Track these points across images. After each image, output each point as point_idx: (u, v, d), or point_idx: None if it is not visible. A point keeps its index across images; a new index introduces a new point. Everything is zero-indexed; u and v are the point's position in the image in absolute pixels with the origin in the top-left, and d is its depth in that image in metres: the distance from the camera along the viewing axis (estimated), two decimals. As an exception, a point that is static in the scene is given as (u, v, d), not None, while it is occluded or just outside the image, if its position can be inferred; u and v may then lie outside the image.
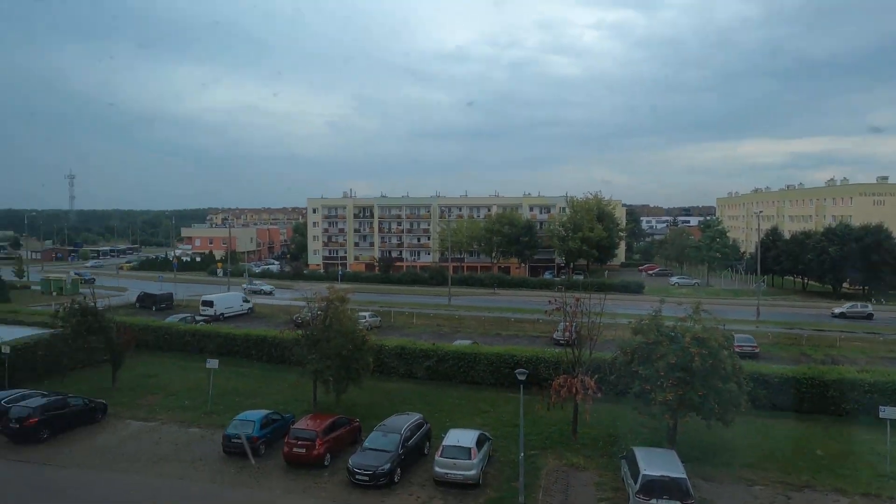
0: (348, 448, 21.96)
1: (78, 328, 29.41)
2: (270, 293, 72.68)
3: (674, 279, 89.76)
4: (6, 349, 29.55)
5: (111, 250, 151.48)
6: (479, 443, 20.14)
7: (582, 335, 23.44)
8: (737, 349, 27.49)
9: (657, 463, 17.61)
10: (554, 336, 40.01)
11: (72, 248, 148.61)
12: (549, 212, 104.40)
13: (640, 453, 18.49)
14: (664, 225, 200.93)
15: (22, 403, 23.64)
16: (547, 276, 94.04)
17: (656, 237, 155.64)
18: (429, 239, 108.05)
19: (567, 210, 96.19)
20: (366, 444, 20.62)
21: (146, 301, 60.11)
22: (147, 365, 34.73)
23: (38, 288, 73.76)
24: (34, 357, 31.43)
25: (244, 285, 74.95)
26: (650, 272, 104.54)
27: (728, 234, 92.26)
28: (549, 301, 23.72)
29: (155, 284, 72.25)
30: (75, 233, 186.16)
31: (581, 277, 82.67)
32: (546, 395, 22.16)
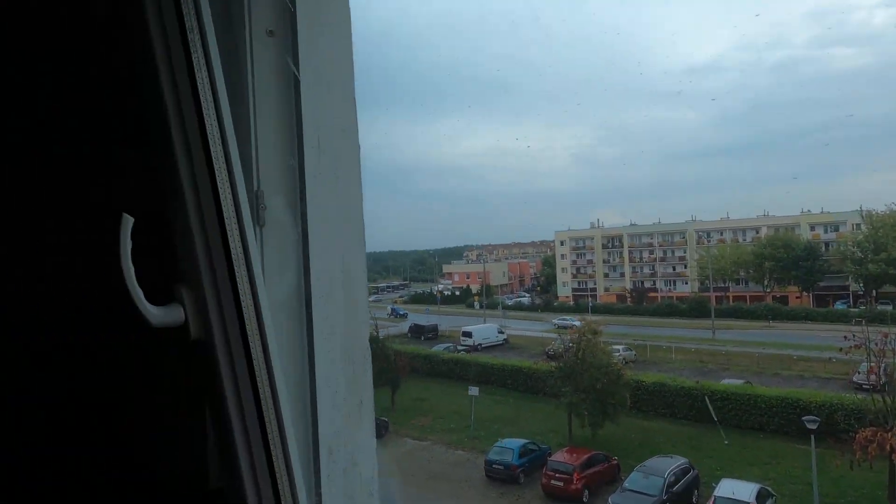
0: (606, 486, 21.33)
1: (365, 354, 34.42)
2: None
3: None
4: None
5: (387, 286, 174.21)
6: (760, 498, 17.75)
7: (895, 379, 19.21)
8: None
9: None
10: (854, 379, 33.28)
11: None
12: (836, 230, 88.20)
13: None
14: None
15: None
16: (839, 306, 78.94)
17: None
18: (685, 267, 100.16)
19: (863, 227, 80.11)
20: (625, 484, 19.80)
21: (416, 331, 67.42)
22: (418, 389, 38.74)
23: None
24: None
25: (555, 321, 75.10)
26: None
27: None
28: (846, 336, 20.15)
29: (423, 316, 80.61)
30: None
31: (889, 308, 67.54)
32: (847, 450, 18.53)
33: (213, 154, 0.92)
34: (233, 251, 0.93)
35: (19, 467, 1.02)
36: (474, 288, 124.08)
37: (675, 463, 20.60)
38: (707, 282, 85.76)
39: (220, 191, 0.93)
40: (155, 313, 0.87)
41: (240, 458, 0.91)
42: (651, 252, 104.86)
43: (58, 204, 1.04)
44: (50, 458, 1.04)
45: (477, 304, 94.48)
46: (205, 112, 0.92)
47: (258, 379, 0.93)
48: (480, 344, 57.10)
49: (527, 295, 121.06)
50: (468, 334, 58.12)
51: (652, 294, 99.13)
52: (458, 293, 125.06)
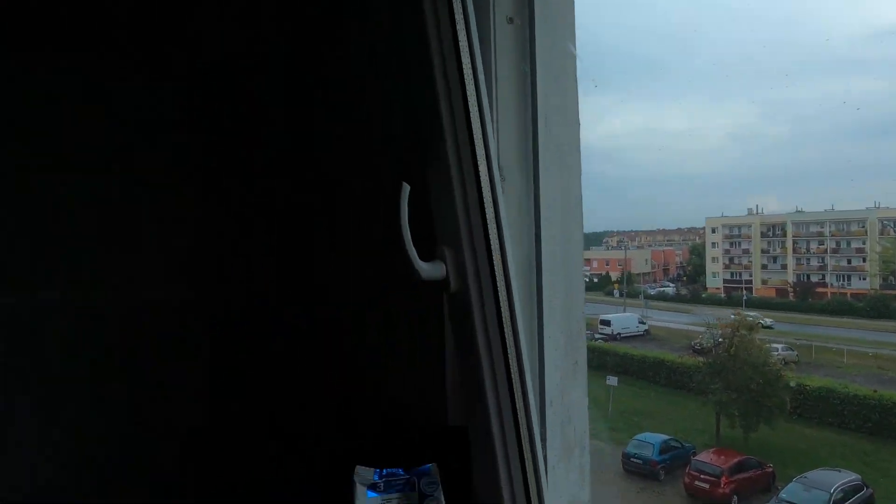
0: (758, 495, 19.78)
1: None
2: None
3: None
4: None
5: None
6: (954, 530, 15.39)
7: None
8: None
9: None
10: None
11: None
12: None
13: None
14: None
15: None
16: None
17: None
18: (863, 261, 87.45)
19: None
20: (782, 495, 18.17)
21: (552, 317, 66.93)
22: (554, 374, 38.53)
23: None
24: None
25: (731, 316, 71.01)
26: None
27: None
28: None
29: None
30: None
31: None
32: None
33: (473, 131, 1.06)
34: (487, 216, 1.07)
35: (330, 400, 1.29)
36: (614, 275, 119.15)
37: (843, 478, 18.43)
38: (891, 278, 74.62)
39: (479, 164, 1.07)
40: (425, 268, 1.04)
41: (488, 400, 1.05)
42: (821, 242, 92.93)
43: (356, 177, 1.27)
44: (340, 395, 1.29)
45: (616, 293, 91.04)
46: (468, 93, 1.06)
47: (505, 331, 1.07)
48: (619, 333, 54.99)
49: (671, 285, 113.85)
50: (606, 322, 56.41)
51: (820, 289, 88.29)
52: (595, 280, 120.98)
